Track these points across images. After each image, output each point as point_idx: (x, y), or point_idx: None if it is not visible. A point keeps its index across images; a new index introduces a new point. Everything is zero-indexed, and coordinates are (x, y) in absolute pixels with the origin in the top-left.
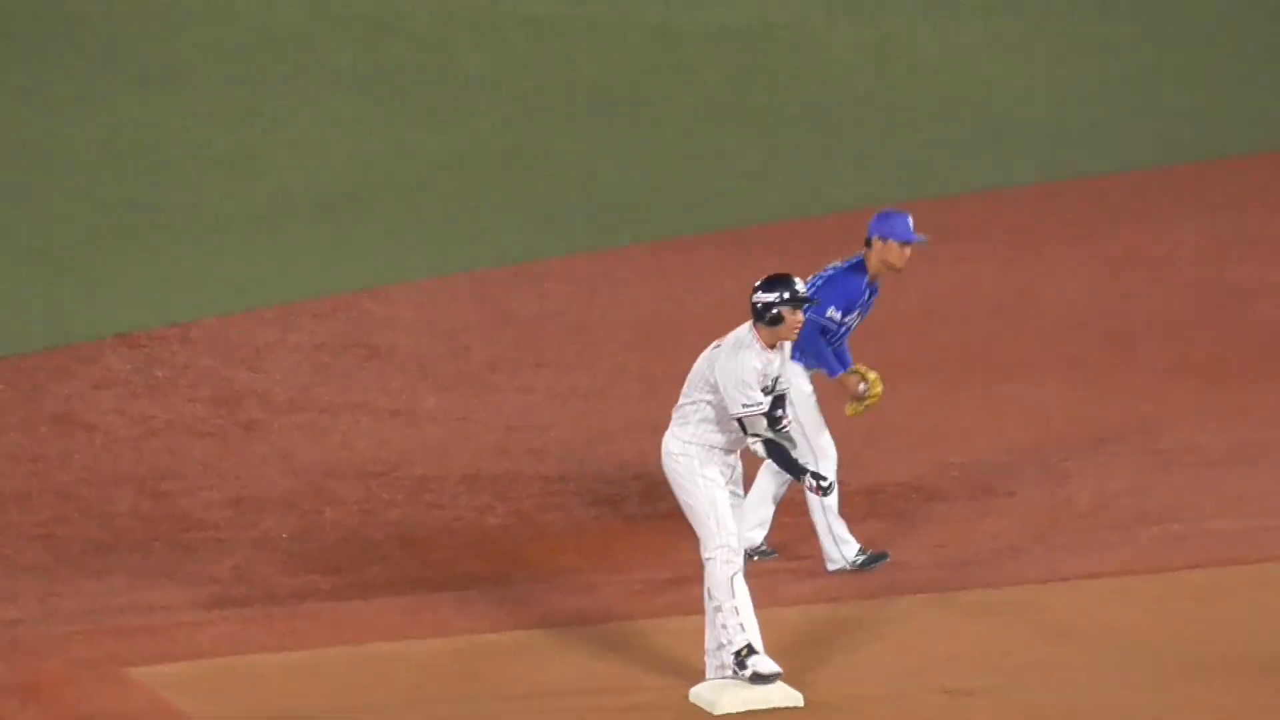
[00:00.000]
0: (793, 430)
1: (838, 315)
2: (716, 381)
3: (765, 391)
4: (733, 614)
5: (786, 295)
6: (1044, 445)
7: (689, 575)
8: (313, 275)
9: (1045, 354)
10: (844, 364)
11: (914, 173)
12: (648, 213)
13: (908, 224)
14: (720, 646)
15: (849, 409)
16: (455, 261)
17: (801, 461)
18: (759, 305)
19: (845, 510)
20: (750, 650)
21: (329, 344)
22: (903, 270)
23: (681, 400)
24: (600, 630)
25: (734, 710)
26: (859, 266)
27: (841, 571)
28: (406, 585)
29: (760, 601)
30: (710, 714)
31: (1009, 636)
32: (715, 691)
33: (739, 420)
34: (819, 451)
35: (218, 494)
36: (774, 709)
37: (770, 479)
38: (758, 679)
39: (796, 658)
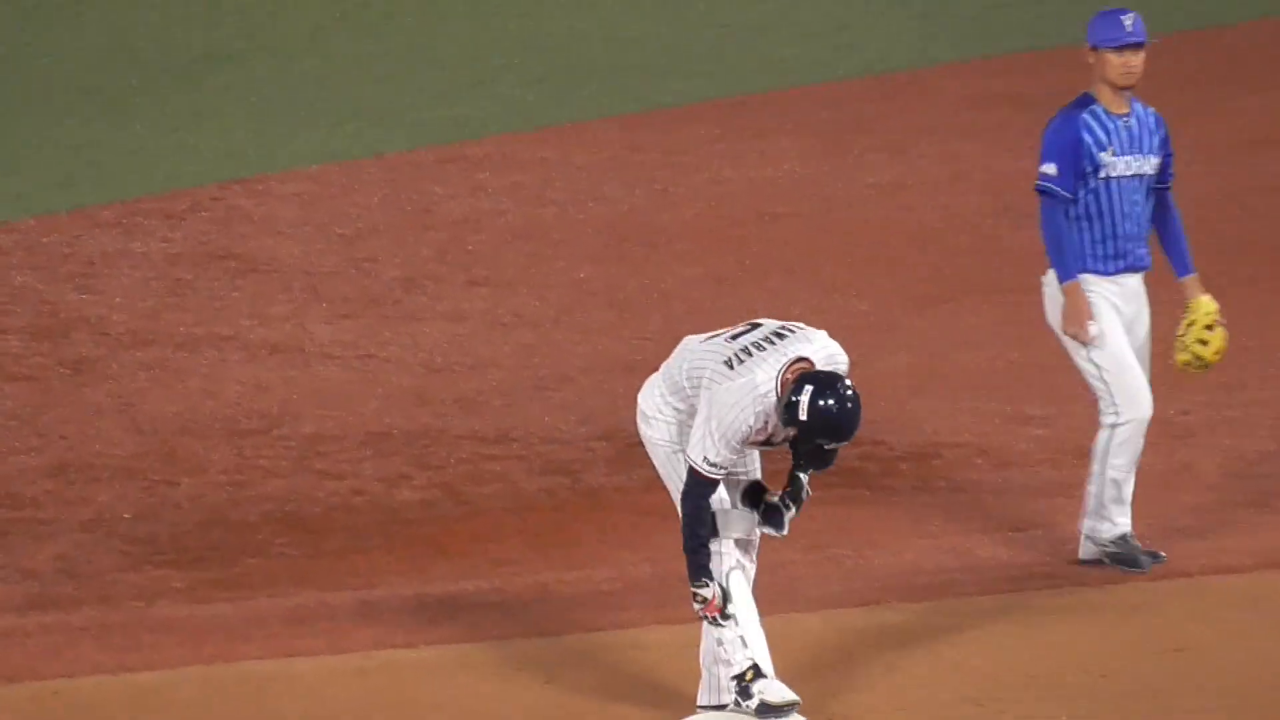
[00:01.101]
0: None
1: (1052, 170)
2: (689, 392)
3: (752, 446)
4: (731, 624)
5: (828, 428)
6: (1157, 391)
7: (674, 570)
8: (165, 162)
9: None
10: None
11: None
12: (616, 76)
13: (1118, 23)
14: (717, 663)
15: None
16: (357, 142)
17: (706, 562)
18: (792, 403)
19: (875, 480)
20: (756, 672)
21: (186, 255)
22: (1130, 85)
23: (668, 366)
24: (554, 645)
25: None
26: (1081, 101)
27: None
28: (291, 583)
29: (773, 605)
30: None
31: (1102, 652)
32: None
33: (691, 470)
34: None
35: (36, 459)
36: None
37: None
38: (766, 711)
39: (818, 679)
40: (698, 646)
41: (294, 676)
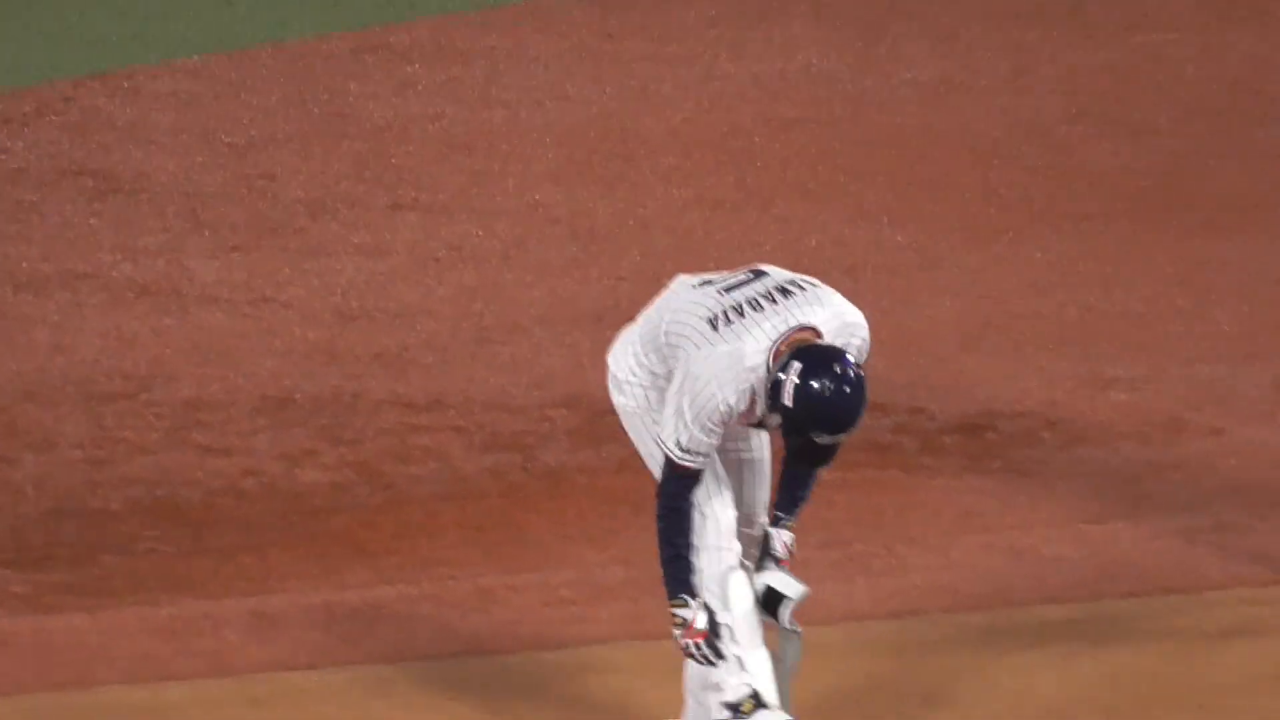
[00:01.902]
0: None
1: None
2: (668, 352)
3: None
4: (726, 639)
5: (817, 417)
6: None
7: (652, 573)
8: (3, 51)
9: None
10: None
11: None
12: None
13: None
14: (705, 689)
15: None
16: (250, 25)
17: (687, 576)
18: (776, 383)
19: (913, 459)
20: (756, 702)
21: (31, 171)
22: None
23: (649, 315)
24: (499, 666)
25: None
26: None
27: None
28: (164, 589)
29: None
30: None
31: (1198, 679)
32: None
33: (668, 460)
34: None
35: None
36: None
37: None
38: None
39: (838, 711)
40: (682, 668)
41: (168, 707)
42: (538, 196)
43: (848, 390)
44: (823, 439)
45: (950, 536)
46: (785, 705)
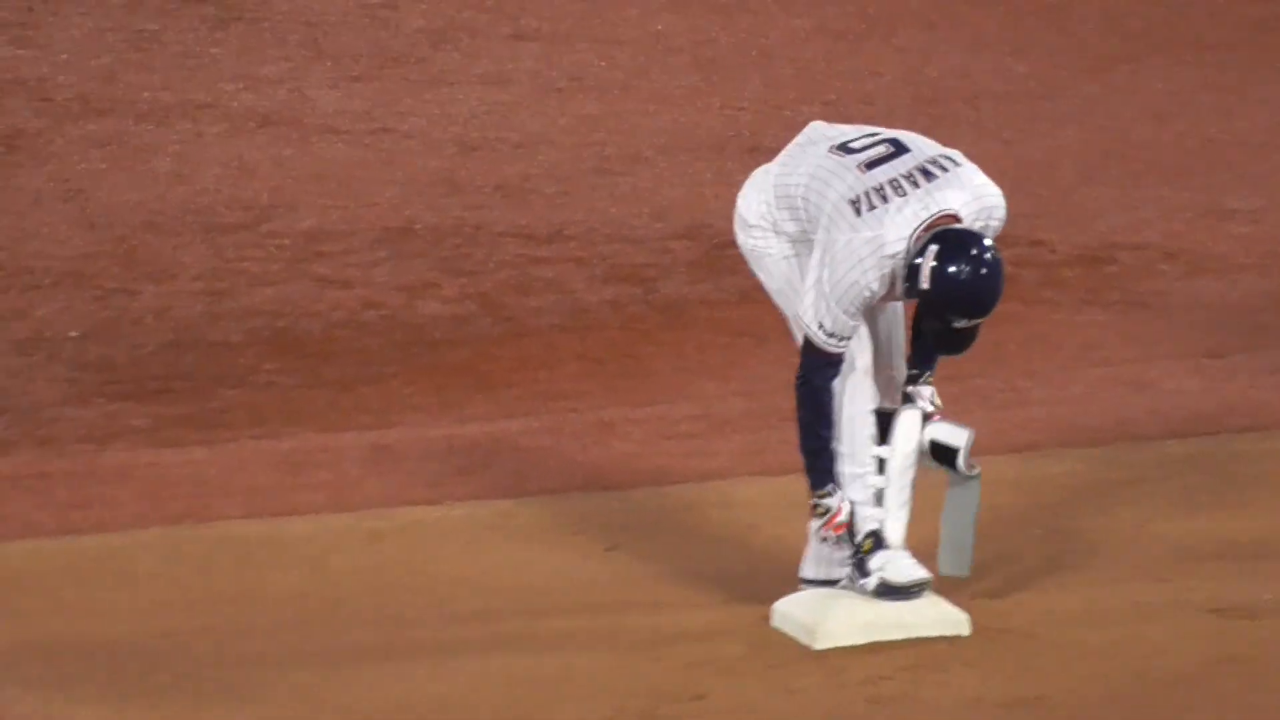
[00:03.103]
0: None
1: None
2: (803, 214)
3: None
4: (845, 462)
5: (941, 311)
6: None
7: (772, 406)
8: None
9: None
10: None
11: None
12: None
13: None
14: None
15: None
16: None
17: (830, 466)
18: (913, 267)
19: (1033, 292)
20: (877, 542)
21: None
22: None
23: (784, 164)
24: (619, 502)
25: (847, 643)
26: None
27: None
28: (283, 421)
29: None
30: (807, 647)
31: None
32: (815, 610)
33: (808, 338)
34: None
35: None
36: (920, 639)
37: None
38: (887, 591)
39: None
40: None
41: (287, 541)
42: (659, 26)
43: (984, 273)
44: (960, 323)
45: (1070, 370)
46: (968, 554)
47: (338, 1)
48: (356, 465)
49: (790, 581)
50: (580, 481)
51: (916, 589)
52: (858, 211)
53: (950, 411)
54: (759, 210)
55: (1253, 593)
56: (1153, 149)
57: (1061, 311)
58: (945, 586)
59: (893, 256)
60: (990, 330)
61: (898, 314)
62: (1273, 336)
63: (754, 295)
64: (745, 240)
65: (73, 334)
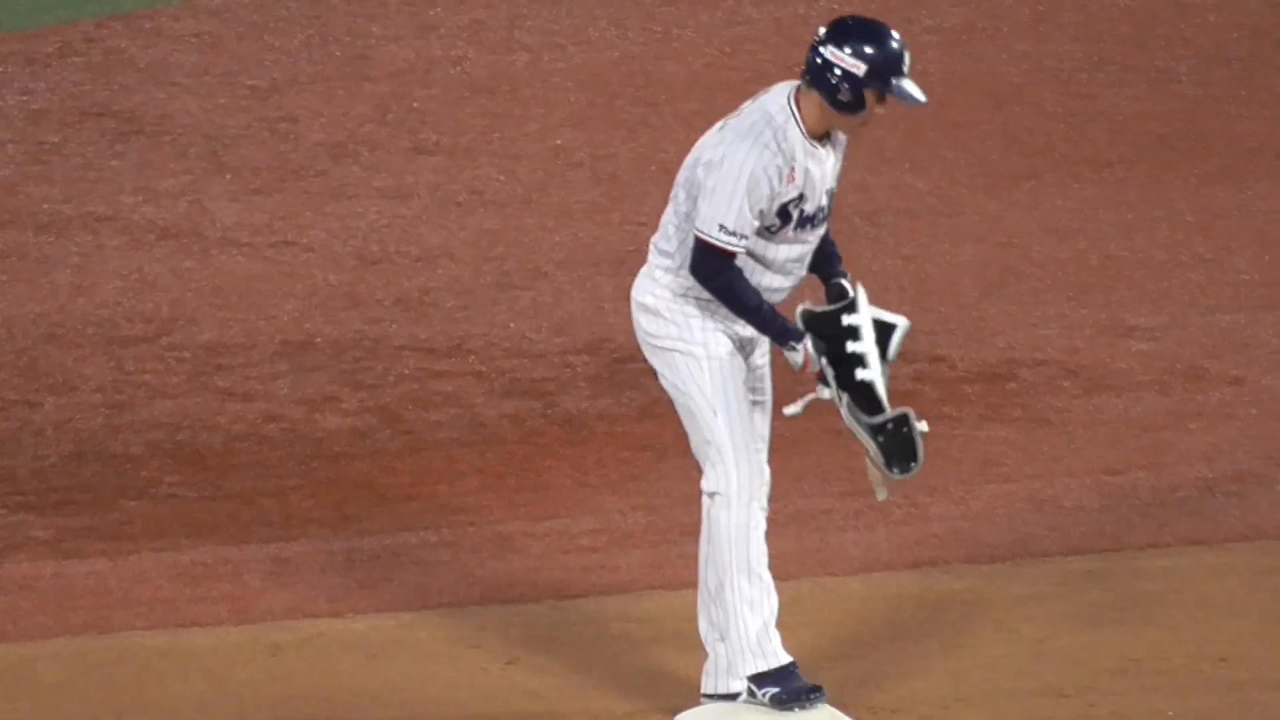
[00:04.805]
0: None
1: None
2: (689, 209)
3: (785, 215)
4: (744, 589)
5: (880, 74)
6: None
7: (673, 520)
8: None
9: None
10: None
11: None
12: None
13: None
14: (723, 640)
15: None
16: None
17: (774, 318)
18: (821, 64)
19: (934, 408)
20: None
21: (53, 111)
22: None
23: (665, 218)
24: (519, 615)
25: None
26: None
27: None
28: (184, 534)
29: (802, 566)
30: None
31: (1220, 632)
32: None
33: (699, 245)
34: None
35: None
36: None
37: None
38: (784, 701)
39: (858, 660)
40: (698, 617)
41: (189, 652)
42: (559, 141)
43: (871, 20)
44: (902, 84)
45: (971, 486)
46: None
47: (238, 115)
48: (258, 577)
49: (691, 696)
50: (480, 595)
51: (810, 697)
52: (723, 126)
53: (852, 524)
54: (650, 281)
55: (1155, 708)
56: (1053, 266)
57: (962, 427)
58: (844, 698)
59: (783, 125)
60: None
61: (769, 408)
62: (1173, 454)
63: (654, 410)
64: (645, 327)
65: None
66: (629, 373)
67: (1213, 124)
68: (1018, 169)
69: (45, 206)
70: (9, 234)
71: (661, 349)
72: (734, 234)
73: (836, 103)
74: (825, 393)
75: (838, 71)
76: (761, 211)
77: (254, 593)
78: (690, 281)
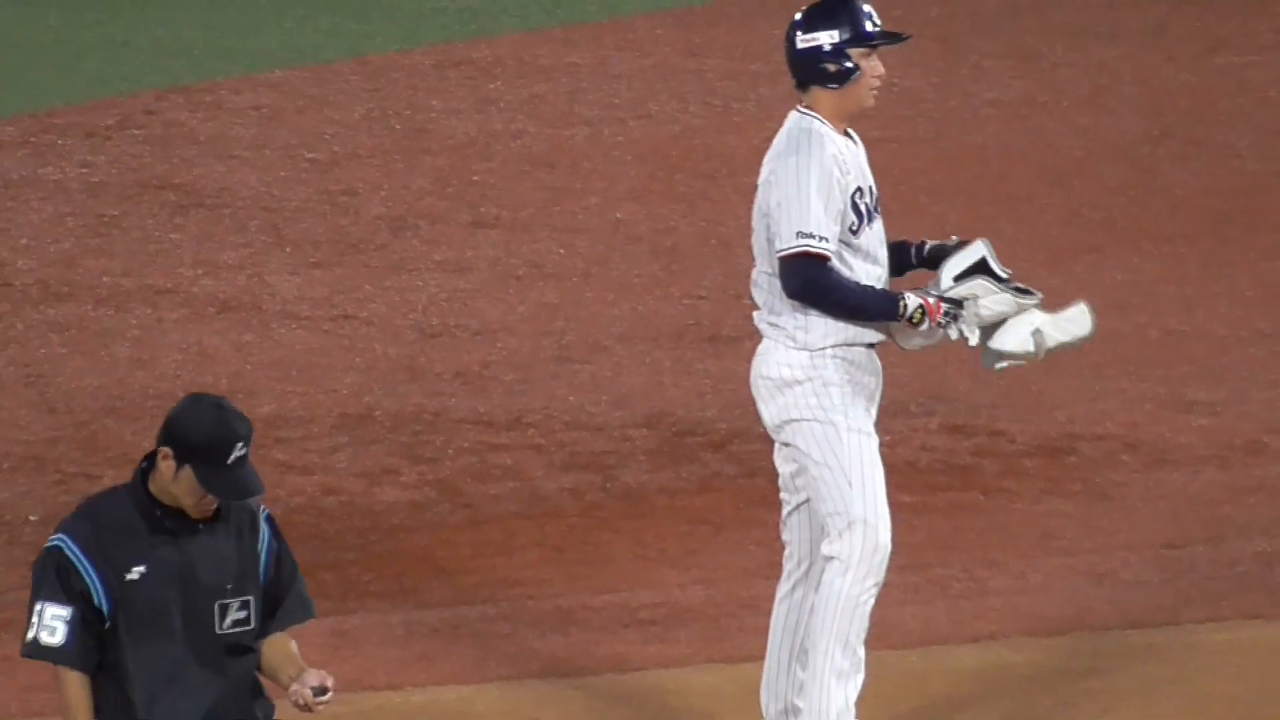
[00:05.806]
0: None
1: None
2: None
3: (858, 211)
4: (837, 659)
5: (853, 30)
6: None
7: (731, 594)
8: (86, 62)
9: None
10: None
11: None
12: None
13: None
14: (801, 695)
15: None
16: (333, 40)
17: (882, 293)
18: (808, 54)
19: (993, 481)
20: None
21: (112, 184)
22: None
23: (758, 289)
24: (578, 688)
25: None
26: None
27: None
28: None
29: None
30: None
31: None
32: None
33: (787, 261)
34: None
35: None
36: None
37: None
38: None
39: None
40: (761, 688)
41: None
42: (619, 214)
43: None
44: (870, 26)
45: (1030, 559)
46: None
47: (297, 188)
48: (316, 650)
49: None
50: (539, 668)
51: None
52: (766, 164)
53: (911, 598)
54: (782, 353)
55: None
56: (1114, 340)
57: (1021, 501)
58: None
59: (820, 132)
60: (949, 519)
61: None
62: (1232, 529)
63: (713, 484)
64: (773, 404)
65: (33, 518)
66: (688, 446)
67: (1273, 199)
68: (1078, 243)
69: (105, 280)
70: (69, 307)
71: (799, 420)
72: (813, 235)
73: (835, 80)
74: (963, 324)
75: (821, 51)
76: (838, 211)
77: (313, 665)
78: (811, 336)
